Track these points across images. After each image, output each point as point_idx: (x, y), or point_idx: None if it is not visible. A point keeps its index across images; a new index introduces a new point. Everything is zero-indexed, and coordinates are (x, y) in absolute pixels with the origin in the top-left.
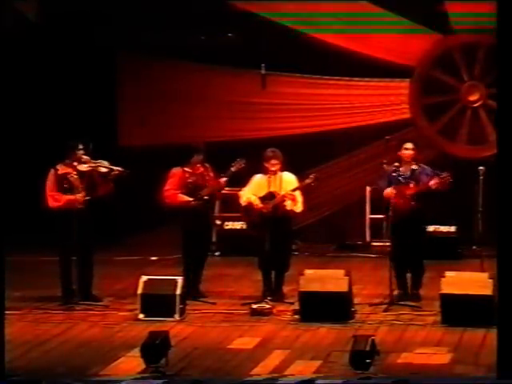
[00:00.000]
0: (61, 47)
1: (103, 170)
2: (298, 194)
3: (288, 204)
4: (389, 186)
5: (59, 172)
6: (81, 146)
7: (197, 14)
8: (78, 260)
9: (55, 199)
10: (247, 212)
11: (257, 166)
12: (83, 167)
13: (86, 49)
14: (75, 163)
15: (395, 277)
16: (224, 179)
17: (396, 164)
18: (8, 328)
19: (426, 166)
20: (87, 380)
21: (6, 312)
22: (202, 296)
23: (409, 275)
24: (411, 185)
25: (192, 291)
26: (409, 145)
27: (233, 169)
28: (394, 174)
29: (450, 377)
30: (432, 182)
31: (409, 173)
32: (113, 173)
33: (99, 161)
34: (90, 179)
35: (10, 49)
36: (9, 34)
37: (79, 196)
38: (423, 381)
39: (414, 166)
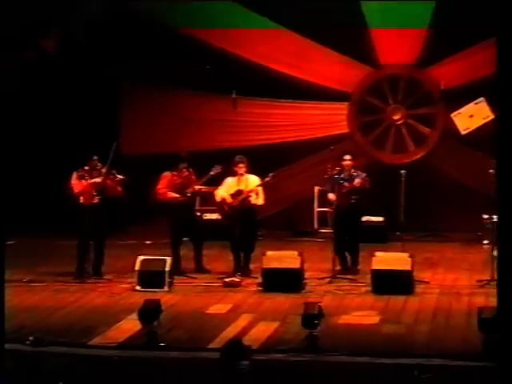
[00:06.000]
0: (76, 78)
1: (111, 176)
2: (260, 189)
3: (252, 198)
4: (332, 187)
5: (78, 174)
6: (95, 157)
7: (185, 50)
8: (94, 245)
9: (77, 185)
10: (221, 206)
11: (228, 169)
12: (97, 177)
13: (96, 80)
14: (90, 170)
15: (337, 256)
16: (198, 186)
17: (338, 168)
18: (34, 296)
19: (361, 172)
20: (84, 346)
21: (33, 284)
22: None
23: (348, 255)
24: (346, 184)
25: (197, 267)
26: (347, 156)
27: (212, 173)
28: (336, 177)
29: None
30: (355, 181)
31: (347, 177)
32: (116, 179)
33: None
34: (102, 183)
35: (34, 78)
36: (32, 66)
37: (98, 180)
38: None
39: (353, 172)
